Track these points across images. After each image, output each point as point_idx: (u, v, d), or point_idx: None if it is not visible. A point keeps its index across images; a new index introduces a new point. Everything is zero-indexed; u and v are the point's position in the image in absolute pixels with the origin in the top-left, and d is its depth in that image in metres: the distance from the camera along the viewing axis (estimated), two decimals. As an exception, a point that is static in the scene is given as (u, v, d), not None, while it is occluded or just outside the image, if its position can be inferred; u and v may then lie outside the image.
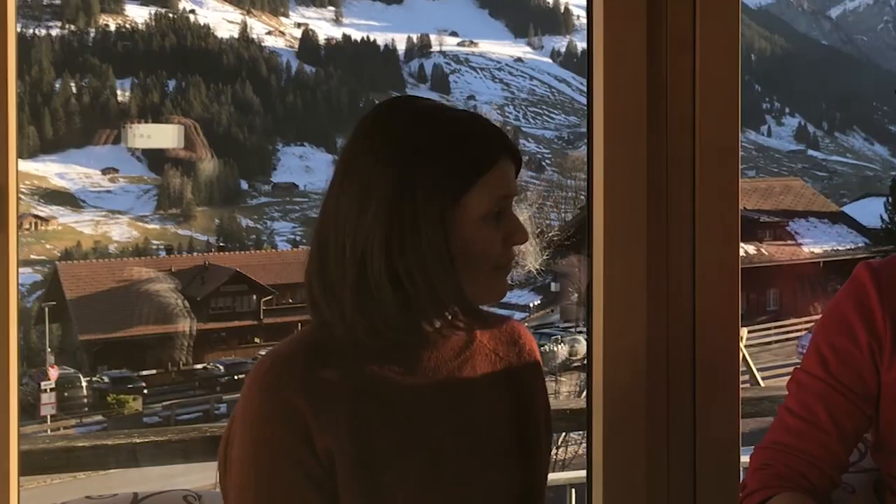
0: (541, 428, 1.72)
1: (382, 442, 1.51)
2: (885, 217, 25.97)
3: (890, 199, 26.00)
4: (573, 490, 3.49)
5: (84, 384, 22.43)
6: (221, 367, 23.94)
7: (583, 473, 2.31)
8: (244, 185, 41.58)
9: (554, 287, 23.82)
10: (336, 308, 1.53)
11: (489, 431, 1.63)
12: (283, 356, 1.53)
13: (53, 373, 21.08)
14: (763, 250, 24.60)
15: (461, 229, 1.52)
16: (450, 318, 1.59)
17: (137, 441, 2.72)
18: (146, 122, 40.44)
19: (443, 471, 1.56)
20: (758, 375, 12.15)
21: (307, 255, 1.59)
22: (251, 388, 1.51)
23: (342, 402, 1.50)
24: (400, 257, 1.49)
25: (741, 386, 2.34)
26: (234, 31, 48.27)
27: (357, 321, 1.52)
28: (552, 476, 1.84)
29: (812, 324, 19.71)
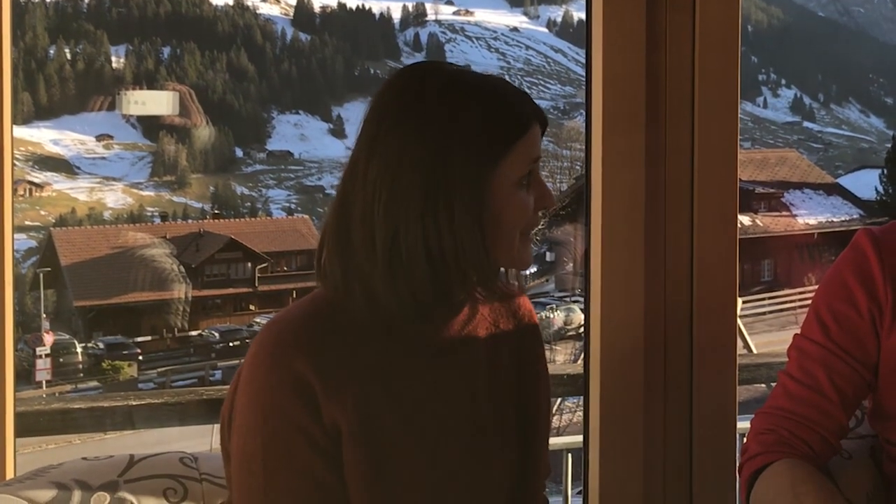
0: (541, 394, 1.73)
1: (388, 415, 1.51)
2: (880, 189, 25.98)
3: (885, 171, 26.01)
4: (570, 455, 3.51)
5: (79, 350, 22.45)
6: (216, 334, 23.97)
7: (580, 438, 2.32)
8: (239, 152, 41.44)
9: (549, 256, 23.84)
10: (358, 280, 1.51)
11: (493, 403, 1.63)
12: (292, 325, 1.52)
13: (48, 339, 21.09)
14: (758, 221, 24.64)
15: (499, 195, 1.51)
16: (472, 289, 1.59)
17: (133, 403, 2.73)
18: (141, 88, 40.25)
19: (447, 442, 1.56)
20: (751, 342, 12.20)
21: (323, 225, 1.57)
22: (258, 356, 1.49)
23: (350, 373, 1.50)
24: (434, 227, 1.47)
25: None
26: (230, -2, 48.00)
27: (384, 293, 1.49)
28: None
29: (806, 295, 19.76)
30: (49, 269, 24.07)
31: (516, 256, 1.56)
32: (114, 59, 42.09)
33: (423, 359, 1.57)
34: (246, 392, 1.50)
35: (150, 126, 39.90)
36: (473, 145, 1.49)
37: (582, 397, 2.36)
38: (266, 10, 49.42)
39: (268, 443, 1.47)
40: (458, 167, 1.48)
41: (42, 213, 34.30)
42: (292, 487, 1.48)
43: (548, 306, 20.52)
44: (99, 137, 40.28)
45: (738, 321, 2.37)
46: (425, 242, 1.47)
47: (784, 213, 25.67)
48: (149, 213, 35.72)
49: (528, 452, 1.69)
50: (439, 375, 1.58)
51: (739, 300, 2.34)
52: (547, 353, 1.80)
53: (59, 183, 37.17)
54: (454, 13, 54.91)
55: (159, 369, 22.41)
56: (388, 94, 1.54)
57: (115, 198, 37.31)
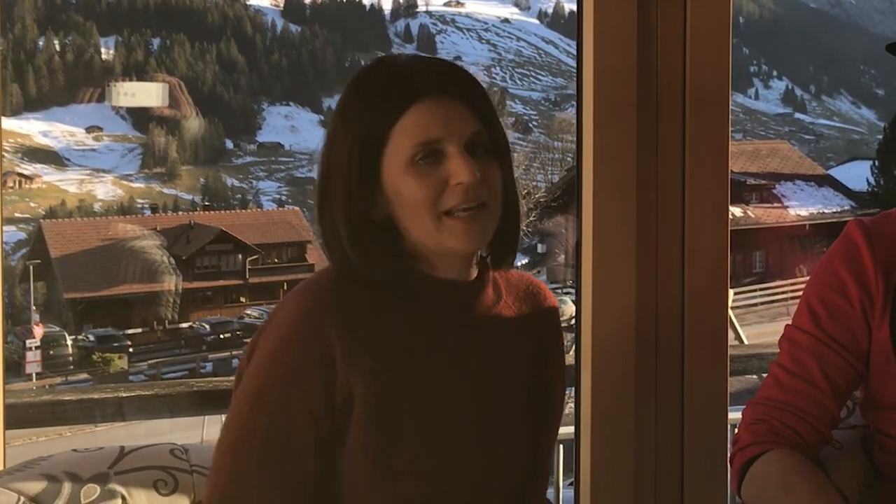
0: (556, 381, 1.75)
1: (405, 387, 1.52)
2: (871, 180, 26.03)
3: (876, 163, 26.06)
4: (561, 446, 3.51)
5: (69, 342, 22.38)
6: (207, 326, 23.91)
7: (571, 430, 2.32)
8: (229, 144, 41.32)
9: (540, 248, 23.84)
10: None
11: (511, 386, 1.64)
12: (324, 290, 1.54)
13: (38, 331, 21.02)
14: (750, 213, 24.67)
15: (391, 178, 1.52)
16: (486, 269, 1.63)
17: (124, 395, 2.72)
18: (130, 80, 40.10)
19: (460, 420, 1.57)
20: (742, 334, 12.24)
21: None
22: (291, 314, 1.52)
23: (372, 342, 1.50)
24: (327, 213, 1.56)
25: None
26: (220, -11, 47.82)
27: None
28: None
29: (798, 286, 19.80)
30: (39, 261, 23.99)
31: (439, 237, 1.54)
32: (103, 50, 41.94)
33: (445, 336, 1.58)
34: (269, 337, 1.53)
35: (140, 118, 39.78)
36: (351, 129, 1.53)
37: (573, 388, 2.36)
38: (256, 1, 49.28)
39: (267, 386, 1.50)
40: (337, 150, 1.54)
41: (32, 204, 34.19)
42: (290, 422, 1.49)
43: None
44: (89, 129, 40.13)
45: (730, 312, 2.38)
46: (321, 228, 1.55)
47: (776, 204, 25.71)
48: (139, 205, 35.63)
49: (541, 437, 1.71)
50: (461, 353, 1.59)
51: (731, 291, 2.35)
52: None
53: (48, 175, 37.04)
54: (445, 4, 54.81)
55: (150, 361, 22.35)
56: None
57: (105, 189, 37.19)
